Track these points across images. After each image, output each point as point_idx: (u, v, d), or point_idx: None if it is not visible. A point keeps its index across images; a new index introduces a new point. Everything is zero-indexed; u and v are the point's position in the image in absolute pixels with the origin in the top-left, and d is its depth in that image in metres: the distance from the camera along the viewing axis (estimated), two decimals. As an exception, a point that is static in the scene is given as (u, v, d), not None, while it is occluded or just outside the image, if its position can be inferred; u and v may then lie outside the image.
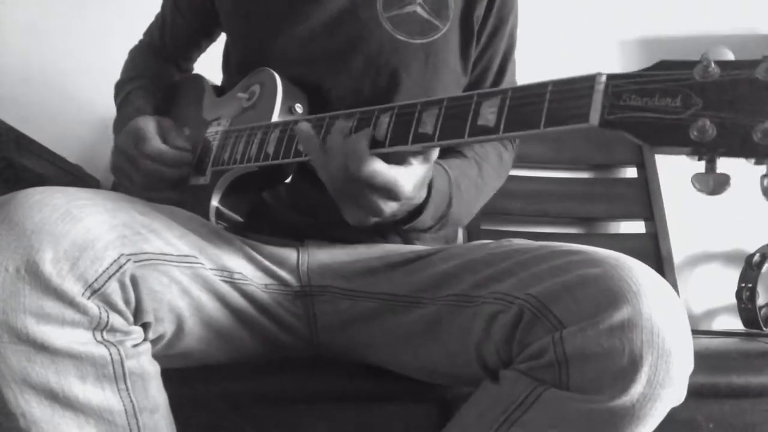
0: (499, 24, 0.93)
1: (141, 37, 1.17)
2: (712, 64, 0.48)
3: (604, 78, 0.52)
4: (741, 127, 0.46)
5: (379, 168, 0.63)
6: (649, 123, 0.49)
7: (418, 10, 0.88)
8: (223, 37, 1.07)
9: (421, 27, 0.88)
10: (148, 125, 0.90)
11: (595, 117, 0.51)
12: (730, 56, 0.48)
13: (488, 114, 0.59)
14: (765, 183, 0.49)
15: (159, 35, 1.12)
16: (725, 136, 0.47)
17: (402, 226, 0.76)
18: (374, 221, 0.68)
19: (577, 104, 0.52)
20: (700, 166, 0.49)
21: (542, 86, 0.56)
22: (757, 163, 0.47)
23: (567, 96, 0.54)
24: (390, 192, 0.64)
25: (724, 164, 0.49)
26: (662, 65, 0.50)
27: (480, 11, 0.91)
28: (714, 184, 0.49)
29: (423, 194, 0.71)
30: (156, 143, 0.88)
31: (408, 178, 0.65)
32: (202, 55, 1.17)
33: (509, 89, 0.59)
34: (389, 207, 0.66)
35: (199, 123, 0.98)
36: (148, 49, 1.14)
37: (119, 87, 1.09)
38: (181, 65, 1.15)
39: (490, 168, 0.91)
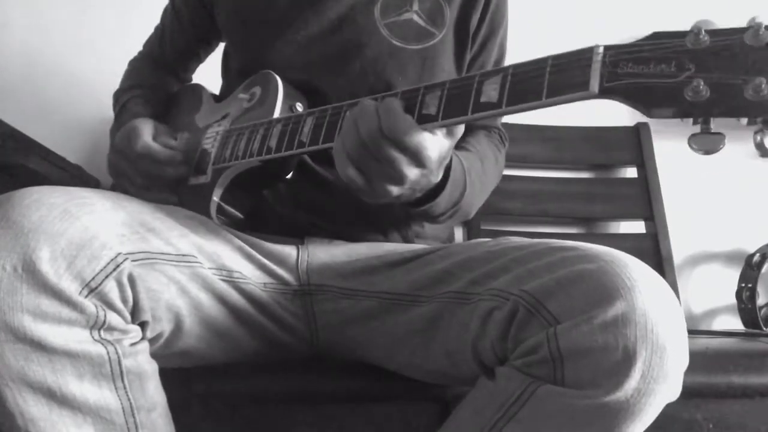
0: (490, 33, 0.96)
1: (141, 48, 1.18)
2: (703, 32, 0.50)
3: (601, 49, 0.54)
4: (732, 86, 0.49)
5: (412, 126, 0.63)
6: (645, 87, 0.51)
7: (415, 17, 0.90)
8: (221, 48, 1.08)
9: (417, 33, 0.90)
10: (143, 125, 0.91)
11: (594, 85, 0.53)
12: (716, 26, 0.51)
13: (490, 91, 0.60)
14: (758, 138, 0.52)
15: (158, 46, 1.14)
16: (718, 96, 0.49)
17: (417, 208, 0.77)
18: (395, 194, 0.67)
19: (577, 74, 0.55)
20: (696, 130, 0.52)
21: (542, 61, 0.58)
22: (750, 123, 0.50)
23: (567, 67, 0.56)
24: (417, 155, 0.64)
25: (719, 124, 0.51)
26: (655, 36, 0.53)
27: (475, 19, 0.93)
28: (710, 142, 0.51)
29: (440, 175, 0.71)
30: (146, 140, 0.89)
31: (434, 144, 0.65)
32: (202, 65, 1.18)
33: (510, 66, 0.60)
34: (413, 173, 0.65)
35: (198, 126, 0.99)
36: (148, 60, 1.16)
37: (117, 96, 1.10)
38: (180, 76, 1.17)
39: (489, 165, 0.92)
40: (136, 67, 1.16)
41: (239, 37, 0.98)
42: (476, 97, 0.61)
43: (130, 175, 0.91)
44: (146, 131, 0.91)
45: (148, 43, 1.17)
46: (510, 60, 1.02)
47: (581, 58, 0.55)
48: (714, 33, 0.50)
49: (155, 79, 1.12)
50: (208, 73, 1.13)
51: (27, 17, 1.53)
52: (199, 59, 1.17)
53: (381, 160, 0.64)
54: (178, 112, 1.08)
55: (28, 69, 1.52)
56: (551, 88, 0.56)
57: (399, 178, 0.65)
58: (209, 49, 1.15)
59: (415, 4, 0.91)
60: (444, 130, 0.66)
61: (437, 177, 0.70)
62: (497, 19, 0.96)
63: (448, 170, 0.74)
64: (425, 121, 0.64)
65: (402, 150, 0.64)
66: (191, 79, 1.20)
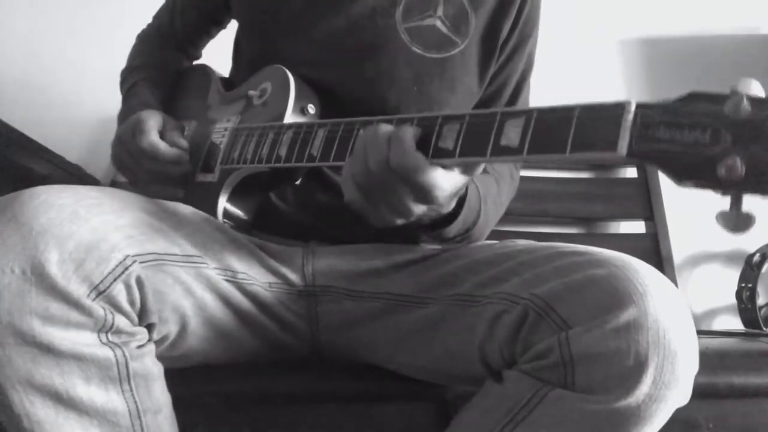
0: (519, 43, 0.92)
1: (150, 21, 1.15)
2: (744, 100, 0.46)
3: (633, 107, 0.51)
4: None
5: (422, 164, 0.60)
6: (677, 156, 0.48)
7: (438, 24, 0.87)
8: (233, 25, 1.05)
9: (438, 41, 0.87)
10: (149, 119, 0.88)
11: (623, 146, 0.50)
12: (760, 90, 0.47)
13: (512, 134, 0.57)
14: None
15: (168, 21, 1.10)
16: (753, 175, 0.45)
17: (425, 232, 0.75)
18: (399, 224, 0.66)
19: (605, 131, 0.51)
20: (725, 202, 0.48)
21: (569, 109, 0.54)
22: None
23: (594, 122, 0.52)
24: (425, 194, 0.61)
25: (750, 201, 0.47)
26: (692, 97, 0.49)
27: (506, 27, 0.89)
28: (739, 222, 0.47)
29: (452, 206, 0.69)
30: (151, 137, 0.86)
31: (446, 183, 0.62)
32: (212, 42, 1.15)
33: (534, 109, 0.57)
34: (418, 209, 0.63)
35: (206, 118, 0.97)
36: (157, 35, 1.12)
37: (125, 74, 1.08)
38: (190, 52, 1.14)
39: (505, 186, 0.90)
40: (144, 42, 1.13)
41: (253, 27, 0.95)
42: (496, 138, 0.57)
43: (134, 170, 0.89)
44: (153, 126, 0.87)
45: (158, 17, 1.14)
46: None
47: (611, 114, 0.51)
48: (756, 102, 0.46)
49: (164, 56, 1.10)
50: (218, 52, 1.11)
51: (27, 17, 1.53)
52: (210, 35, 1.13)
53: (387, 191, 0.62)
54: (187, 96, 1.05)
55: (28, 69, 1.52)
56: (576, 142, 0.52)
57: (403, 212, 0.64)
58: (221, 26, 1.10)
59: (439, 9, 0.87)
60: (462, 168, 0.62)
61: (448, 209, 0.68)
62: (529, 27, 0.92)
63: (462, 199, 0.72)
64: (441, 155, 0.60)
65: (410, 186, 0.61)
66: (201, 56, 1.17)
